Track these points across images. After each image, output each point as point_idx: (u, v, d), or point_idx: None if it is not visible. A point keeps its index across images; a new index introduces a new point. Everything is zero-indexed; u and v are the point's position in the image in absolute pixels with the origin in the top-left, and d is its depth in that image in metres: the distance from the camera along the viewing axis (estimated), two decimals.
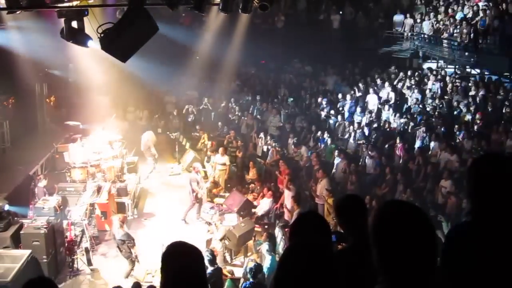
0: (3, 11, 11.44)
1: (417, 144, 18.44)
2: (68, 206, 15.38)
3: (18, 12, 10.90)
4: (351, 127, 20.36)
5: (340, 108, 22.98)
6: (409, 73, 24.23)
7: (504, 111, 18.25)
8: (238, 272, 13.52)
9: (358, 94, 23.79)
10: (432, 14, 24.93)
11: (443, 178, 15.00)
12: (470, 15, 22.60)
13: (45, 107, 22.14)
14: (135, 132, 24.40)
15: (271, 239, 13.63)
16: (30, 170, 17.57)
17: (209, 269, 11.57)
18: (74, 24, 10.78)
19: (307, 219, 4.21)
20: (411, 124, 19.68)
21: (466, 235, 2.97)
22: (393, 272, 2.53)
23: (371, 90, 23.00)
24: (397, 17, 26.08)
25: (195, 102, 27.27)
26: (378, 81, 24.14)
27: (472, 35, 21.33)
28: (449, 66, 23.52)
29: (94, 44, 10.70)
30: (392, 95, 22.48)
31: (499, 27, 20.35)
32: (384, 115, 21.15)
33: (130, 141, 21.99)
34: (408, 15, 25.62)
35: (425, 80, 23.17)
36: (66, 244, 14.31)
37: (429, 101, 21.50)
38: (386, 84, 23.17)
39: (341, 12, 27.65)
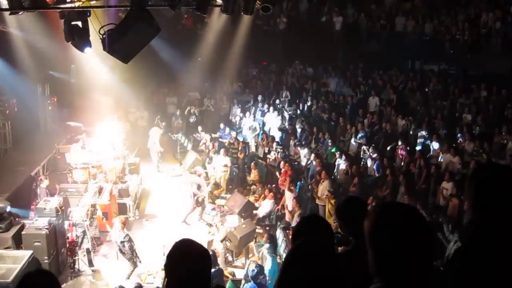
0: (5, 12, 11.46)
1: (418, 145, 18.44)
2: (69, 207, 15.38)
3: (20, 13, 10.91)
4: (353, 128, 20.34)
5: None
6: (411, 75, 24.24)
7: (506, 112, 18.25)
8: (240, 274, 13.52)
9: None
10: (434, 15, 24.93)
11: (445, 180, 14.98)
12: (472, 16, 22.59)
13: (47, 108, 22.14)
14: (136, 133, 24.44)
15: (272, 241, 13.63)
16: (31, 171, 17.57)
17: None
18: (79, 24, 10.78)
19: (310, 222, 4.22)
20: (413, 125, 19.68)
21: (469, 246, 2.97)
22: (389, 274, 2.53)
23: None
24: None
25: (197, 103, 27.28)
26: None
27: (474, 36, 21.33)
28: (451, 68, 23.50)
29: (90, 50, 10.72)
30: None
31: (501, 29, 20.37)
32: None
33: (131, 142, 22.00)
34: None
35: (427, 81, 23.18)
36: (68, 245, 14.33)
37: (431, 102, 21.52)
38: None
39: (343, 14, 27.63)
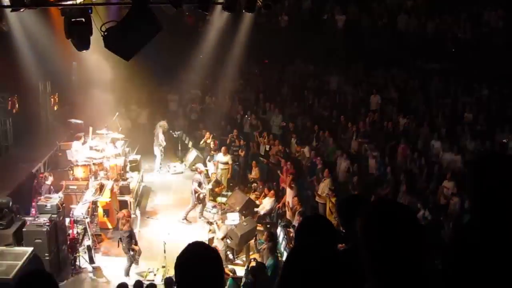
0: (7, 8, 11.46)
1: (420, 144, 18.43)
2: (70, 204, 15.40)
3: (22, 10, 10.90)
4: (354, 126, 20.30)
5: None
6: (412, 73, 24.19)
7: (508, 111, 18.24)
8: (240, 271, 13.53)
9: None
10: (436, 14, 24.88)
11: (446, 179, 14.98)
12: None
13: (48, 105, 22.13)
14: (137, 130, 24.45)
15: (273, 239, 13.65)
16: (33, 168, 17.57)
17: None
18: (80, 21, 10.77)
19: (311, 222, 4.22)
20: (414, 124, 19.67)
21: (468, 237, 2.96)
22: (381, 274, 2.52)
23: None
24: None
25: (198, 100, 27.27)
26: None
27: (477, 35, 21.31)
28: (453, 66, 23.45)
29: (92, 48, 10.73)
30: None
31: (503, 28, 20.34)
32: None
33: (132, 139, 22.00)
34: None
35: (429, 80, 23.15)
36: (68, 242, 14.35)
37: (433, 101, 21.50)
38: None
39: (345, 12, 27.56)
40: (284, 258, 12.92)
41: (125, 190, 17.66)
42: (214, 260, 3.01)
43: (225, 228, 14.85)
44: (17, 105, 19.50)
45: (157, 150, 21.77)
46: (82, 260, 14.35)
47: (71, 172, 17.68)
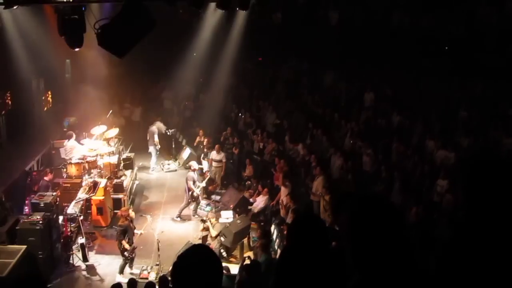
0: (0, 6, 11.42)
1: (414, 141, 18.44)
2: (68, 202, 15.40)
3: (15, 7, 10.88)
4: (348, 123, 20.30)
5: None
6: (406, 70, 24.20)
7: (500, 108, 18.27)
8: (234, 269, 13.53)
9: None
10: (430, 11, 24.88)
11: (440, 177, 14.98)
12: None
13: (41, 102, 22.08)
14: (131, 128, 24.42)
15: (266, 236, 13.65)
16: (26, 166, 17.54)
17: None
18: (73, 18, 10.76)
19: (304, 221, 4.21)
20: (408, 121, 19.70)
21: (464, 238, 2.96)
22: (365, 267, 2.52)
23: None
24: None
25: (192, 98, 27.25)
26: None
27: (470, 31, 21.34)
28: (446, 63, 23.47)
29: (85, 45, 10.73)
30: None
31: (497, 24, 20.37)
32: None
33: (126, 137, 21.97)
34: None
35: (422, 76, 23.15)
36: (62, 240, 14.33)
37: (427, 98, 21.52)
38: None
39: (339, 9, 27.55)
40: (277, 256, 12.92)
41: (118, 188, 17.67)
42: (215, 267, 2.97)
43: (219, 226, 14.85)
44: (10, 102, 19.44)
45: (152, 149, 21.74)
46: (76, 258, 14.33)
47: (65, 170, 17.65)
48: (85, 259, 14.33)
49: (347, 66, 26.04)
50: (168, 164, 22.28)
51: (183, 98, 26.99)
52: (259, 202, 17.02)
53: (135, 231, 14.08)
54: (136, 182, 20.16)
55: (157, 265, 13.91)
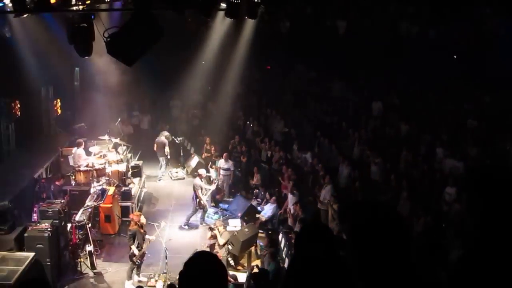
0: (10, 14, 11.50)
1: (422, 150, 18.41)
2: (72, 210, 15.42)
3: (24, 15, 10.95)
4: (356, 132, 20.29)
5: None
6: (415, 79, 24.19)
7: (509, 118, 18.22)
8: (242, 277, 13.51)
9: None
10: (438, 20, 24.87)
11: (448, 185, 14.95)
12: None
13: (50, 110, 22.17)
14: (139, 136, 24.50)
15: (274, 244, 13.64)
16: (34, 173, 17.59)
17: None
18: (83, 27, 10.82)
19: (311, 229, 4.21)
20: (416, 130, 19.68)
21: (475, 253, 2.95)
22: (369, 276, 2.52)
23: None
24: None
25: (200, 106, 27.31)
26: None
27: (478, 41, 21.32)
28: (454, 72, 23.45)
29: (95, 53, 10.77)
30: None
31: (505, 34, 20.34)
32: None
33: (134, 145, 22.03)
34: None
35: (431, 86, 23.15)
36: (70, 247, 14.35)
37: (435, 107, 21.50)
38: None
39: (346, 18, 27.57)
40: (285, 264, 12.91)
41: (126, 195, 17.69)
42: (220, 274, 2.98)
43: (227, 235, 14.83)
44: (19, 110, 19.54)
45: (162, 159, 21.77)
46: (84, 266, 14.34)
47: (73, 177, 17.70)
48: (93, 266, 14.34)
49: (355, 75, 26.06)
50: (176, 172, 22.29)
51: (191, 107, 27.05)
52: (267, 210, 17.02)
53: (146, 236, 14.07)
54: (144, 189, 20.19)
55: (164, 273, 13.89)
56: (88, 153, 18.57)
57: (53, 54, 18.93)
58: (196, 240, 16.32)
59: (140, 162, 20.92)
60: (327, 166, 18.47)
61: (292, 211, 16.01)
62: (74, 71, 23.40)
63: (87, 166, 17.74)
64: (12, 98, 19.01)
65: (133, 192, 18.12)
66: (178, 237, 16.39)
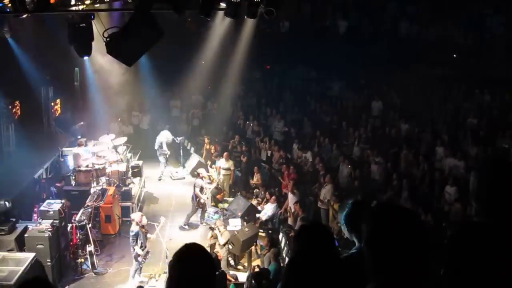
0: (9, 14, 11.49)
1: (422, 149, 18.41)
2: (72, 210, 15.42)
3: (24, 16, 10.94)
4: (356, 132, 20.30)
5: None
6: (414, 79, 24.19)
7: (509, 117, 18.22)
8: (242, 277, 13.52)
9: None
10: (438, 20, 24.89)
11: (448, 184, 14.96)
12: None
13: (50, 111, 22.17)
14: (139, 136, 24.49)
15: (274, 244, 13.64)
16: (35, 174, 17.59)
17: None
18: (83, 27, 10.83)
19: (310, 229, 4.22)
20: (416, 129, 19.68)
21: (471, 238, 2.95)
22: (384, 275, 2.52)
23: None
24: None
25: (200, 106, 27.31)
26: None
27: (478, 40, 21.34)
28: (454, 72, 23.45)
29: (94, 53, 10.78)
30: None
31: (504, 33, 20.36)
32: None
33: (134, 145, 22.03)
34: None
35: (431, 85, 23.16)
36: (70, 248, 14.35)
37: (435, 107, 21.50)
38: None
39: (347, 17, 27.57)
40: (285, 264, 12.91)
41: (127, 195, 17.70)
42: (207, 261, 3.10)
43: (227, 234, 14.83)
44: (19, 111, 19.54)
45: (162, 158, 21.77)
46: (84, 266, 14.35)
47: (73, 177, 17.70)
48: (93, 266, 14.35)
49: (355, 75, 26.05)
50: (176, 172, 22.29)
51: (191, 106, 27.05)
52: (267, 210, 17.02)
53: (148, 235, 14.08)
54: (144, 189, 20.20)
55: (165, 272, 13.90)
56: (88, 153, 18.58)
57: (53, 55, 18.92)
58: (196, 240, 16.17)
59: (140, 162, 20.93)
60: (328, 165, 18.49)
61: (292, 211, 16.02)
62: (74, 71, 23.38)
63: (87, 166, 17.75)
64: (12, 98, 19.00)
65: (133, 192, 18.14)
66: (178, 237, 16.40)
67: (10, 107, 18.99)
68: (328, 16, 28.07)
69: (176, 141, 22.84)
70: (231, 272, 14.19)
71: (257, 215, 17.08)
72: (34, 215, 14.76)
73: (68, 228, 14.43)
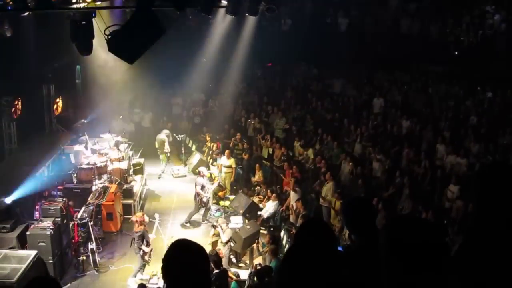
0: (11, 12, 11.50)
1: (424, 147, 18.41)
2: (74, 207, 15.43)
3: (25, 14, 10.95)
4: (358, 129, 20.28)
5: None
6: (416, 76, 24.20)
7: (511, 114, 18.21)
8: (244, 275, 13.52)
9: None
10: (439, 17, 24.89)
11: (451, 183, 14.94)
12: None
13: (51, 108, 22.16)
14: (141, 133, 24.50)
15: (275, 241, 13.64)
16: (36, 171, 17.59)
17: (215, 271, 11.62)
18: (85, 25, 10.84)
19: (310, 226, 4.23)
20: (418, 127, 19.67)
21: (474, 245, 2.96)
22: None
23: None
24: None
25: (201, 104, 27.30)
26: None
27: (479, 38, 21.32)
28: (456, 69, 23.46)
29: (95, 50, 10.79)
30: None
31: (506, 31, 20.35)
32: None
33: (136, 142, 22.05)
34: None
35: (432, 83, 23.16)
36: (72, 245, 14.37)
37: (436, 104, 21.49)
38: None
39: (348, 15, 27.58)
40: None
41: (128, 193, 17.71)
42: (196, 250, 3.14)
43: (230, 232, 14.83)
44: (20, 109, 19.53)
45: (162, 156, 21.78)
46: (86, 263, 14.36)
47: (75, 175, 17.70)
48: (95, 264, 14.37)
49: (356, 72, 26.06)
50: (178, 170, 22.29)
51: (193, 104, 27.04)
52: (269, 207, 17.01)
53: (149, 235, 14.11)
54: (146, 187, 20.20)
55: None
56: (90, 151, 18.60)
57: (54, 52, 18.92)
58: (198, 238, 16.29)
59: (141, 160, 20.94)
60: (330, 163, 18.48)
61: (294, 208, 16.02)
62: (76, 69, 23.39)
63: (88, 164, 17.75)
64: (13, 96, 18.99)
65: (135, 190, 18.16)
66: (180, 235, 16.38)
67: (11, 104, 18.98)
68: (329, 14, 28.08)
69: (178, 139, 22.84)
70: (233, 269, 14.20)
71: (259, 212, 17.07)
72: (36, 213, 14.75)
73: (70, 226, 14.45)
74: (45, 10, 11.10)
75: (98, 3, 13.63)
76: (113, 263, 14.91)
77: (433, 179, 16.33)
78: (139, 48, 9.04)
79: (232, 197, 18.87)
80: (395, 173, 16.55)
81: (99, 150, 18.75)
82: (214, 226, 15.37)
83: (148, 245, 13.76)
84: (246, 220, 16.30)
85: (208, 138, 22.82)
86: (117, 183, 17.66)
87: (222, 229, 14.91)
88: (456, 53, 23.87)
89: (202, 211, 17.60)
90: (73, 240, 14.44)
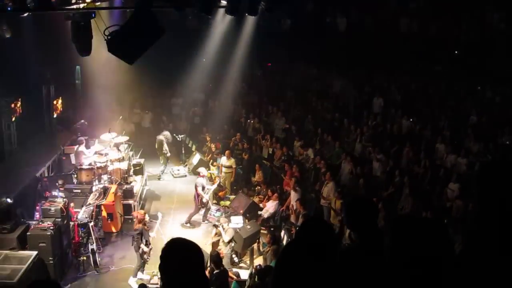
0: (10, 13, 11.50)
1: (424, 146, 18.41)
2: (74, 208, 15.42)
3: (25, 15, 10.95)
4: (358, 129, 20.28)
5: None
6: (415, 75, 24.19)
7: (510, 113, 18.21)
8: (244, 274, 13.52)
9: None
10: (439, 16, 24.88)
11: (451, 181, 14.95)
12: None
13: (52, 109, 22.18)
14: (141, 134, 24.51)
15: (276, 241, 13.64)
16: (36, 172, 17.60)
17: (215, 271, 11.62)
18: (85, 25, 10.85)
19: (311, 225, 4.23)
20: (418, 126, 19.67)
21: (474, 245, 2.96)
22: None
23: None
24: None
25: (201, 104, 27.31)
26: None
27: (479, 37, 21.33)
28: (455, 69, 23.45)
29: (94, 51, 10.81)
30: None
31: (505, 30, 20.35)
32: None
33: (136, 143, 22.05)
34: None
35: (432, 82, 23.15)
36: (73, 246, 14.37)
37: (436, 103, 21.49)
38: None
39: (347, 15, 27.55)
40: None
41: (128, 193, 17.71)
42: (191, 247, 3.25)
43: (231, 231, 14.84)
44: (20, 109, 19.54)
45: (162, 157, 21.78)
46: (86, 264, 14.36)
47: (75, 176, 17.71)
48: (95, 264, 14.36)
49: (355, 72, 26.04)
50: (178, 170, 22.28)
51: (192, 104, 27.04)
52: (269, 207, 17.02)
53: (149, 233, 14.10)
54: (146, 187, 20.21)
55: None
56: (90, 152, 18.62)
57: (54, 53, 18.93)
58: (198, 238, 16.30)
59: (142, 160, 20.93)
60: (330, 163, 18.48)
61: (294, 208, 16.02)
62: (76, 70, 23.40)
63: (89, 164, 17.76)
64: (13, 97, 19.01)
65: (135, 190, 18.15)
66: (180, 235, 16.36)
67: (11, 105, 19.00)
68: (328, 14, 28.05)
69: (178, 139, 22.85)
70: (234, 269, 14.20)
71: (259, 212, 17.09)
72: (36, 213, 14.75)
73: (70, 227, 14.45)
74: (44, 11, 11.10)
75: (98, 3, 13.62)
76: (113, 263, 14.89)
77: (433, 178, 16.34)
78: (139, 48, 9.03)
79: (232, 197, 18.89)
80: (395, 172, 16.56)
81: (99, 150, 18.76)
82: (215, 226, 15.37)
83: (147, 244, 13.75)
84: (247, 220, 16.30)
85: (208, 138, 22.83)
86: (117, 183, 17.67)
87: (223, 229, 14.91)
88: (456, 52, 23.86)
89: (202, 211, 17.59)
90: (74, 241, 14.44)
